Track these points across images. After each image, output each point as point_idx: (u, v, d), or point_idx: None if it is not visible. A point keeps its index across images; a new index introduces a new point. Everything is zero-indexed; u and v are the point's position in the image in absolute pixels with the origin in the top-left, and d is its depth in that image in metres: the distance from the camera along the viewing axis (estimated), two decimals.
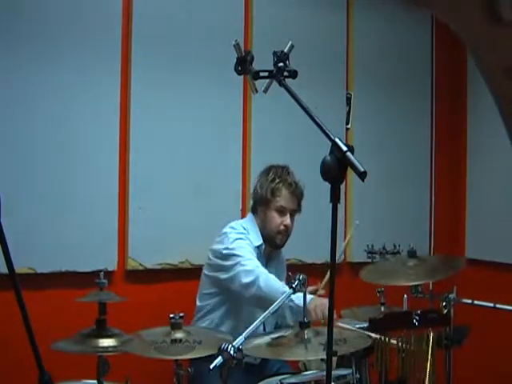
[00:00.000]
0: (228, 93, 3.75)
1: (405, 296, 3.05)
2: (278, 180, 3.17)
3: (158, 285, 3.53)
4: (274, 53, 2.06)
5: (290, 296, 2.57)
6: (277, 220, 3.16)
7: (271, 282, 2.89)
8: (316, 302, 2.72)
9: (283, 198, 3.15)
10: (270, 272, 3.03)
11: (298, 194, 3.18)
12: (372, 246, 3.34)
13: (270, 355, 2.67)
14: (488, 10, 0.70)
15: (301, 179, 3.88)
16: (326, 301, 2.69)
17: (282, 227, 3.16)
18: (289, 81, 2.00)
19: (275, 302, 2.39)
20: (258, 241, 3.18)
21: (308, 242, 3.91)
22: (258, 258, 3.09)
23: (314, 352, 2.49)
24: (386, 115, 4.27)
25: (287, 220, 3.16)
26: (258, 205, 3.21)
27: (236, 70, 2.15)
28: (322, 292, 2.94)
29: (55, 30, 3.36)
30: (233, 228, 3.14)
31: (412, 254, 3.06)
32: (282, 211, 3.16)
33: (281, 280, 3.12)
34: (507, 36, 0.72)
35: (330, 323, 1.65)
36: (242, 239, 3.09)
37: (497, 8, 0.70)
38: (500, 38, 0.72)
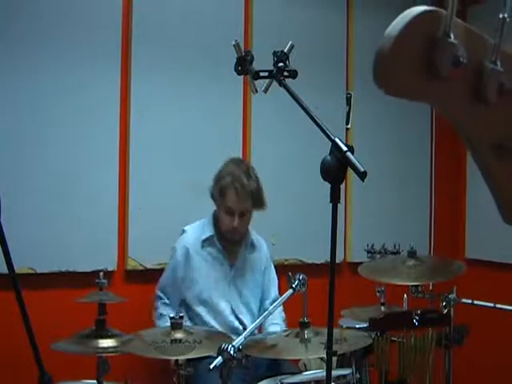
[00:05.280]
0: (228, 93, 3.75)
1: (405, 296, 3.05)
2: (226, 179, 3.12)
3: None
4: (274, 53, 2.06)
5: (290, 296, 2.58)
6: (226, 221, 3.17)
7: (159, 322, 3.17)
8: None
9: (229, 199, 3.12)
10: (235, 272, 3.24)
11: (244, 195, 3.11)
12: (372, 245, 3.34)
13: (270, 355, 2.68)
14: (475, 95, 0.74)
15: (301, 179, 3.91)
16: None
17: (229, 228, 3.17)
18: (289, 81, 2.00)
19: None
20: (208, 233, 3.23)
21: (308, 242, 3.91)
22: (211, 247, 3.21)
23: (314, 351, 2.50)
24: (386, 115, 4.27)
25: (235, 222, 3.13)
26: (213, 199, 3.22)
27: (236, 70, 2.15)
28: None
29: (55, 30, 3.36)
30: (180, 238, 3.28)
31: (412, 254, 3.07)
32: (230, 212, 3.15)
33: (253, 284, 3.29)
34: (492, 116, 0.75)
35: (329, 323, 1.65)
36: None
37: (484, 92, 0.74)
38: (485, 118, 0.75)
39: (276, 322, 3.24)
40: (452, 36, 0.71)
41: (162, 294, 3.24)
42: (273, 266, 3.44)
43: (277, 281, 3.40)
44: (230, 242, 3.25)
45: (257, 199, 3.16)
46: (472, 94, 0.74)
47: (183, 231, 3.28)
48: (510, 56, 0.76)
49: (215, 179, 3.17)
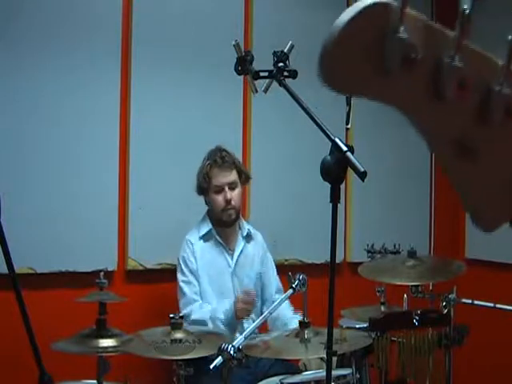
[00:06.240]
0: (228, 93, 3.75)
1: (405, 296, 3.06)
2: (206, 163, 3.24)
3: (158, 285, 3.53)
4: (274, 53, 2.07)
5: (290, 296, 2.58)
6: (218, 200, 3.23)
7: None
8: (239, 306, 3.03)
9: (214, 178, 3.22)
10: (236, 262, 3.29)
11: (227, 167, 3.22)
12: (372, 245, 3.34)
13: (270, 355, 2.68)
14: (433, 91, 0.71)
15: (301, 179, 3.90)
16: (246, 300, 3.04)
17: (224, 204, 3.22)
18: (289, 81, 2.00)
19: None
20: (206, 228, 3.29)
21: (308, 242, 3.91)
22: (210, 240, 3.28)
23: (314, 351, 2.50)
24: (386, 115, 4.26)
25: (227, 195, 3.21)
26: (202, 195, 3.29)
27: (236, 70, 2.16)
28: None
29: (55, 30, 3.35)
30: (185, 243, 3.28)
31: (412, 254, 3.07)
32: (219, 190, 3.22)
33: (253, 269, 3.34)
34: (450, 112, 0.72)
35: (329, 323, 1.65)
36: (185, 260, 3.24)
37: (441, 87, 0.71)
38: (443, 115, 0.73)
39: (292, 316, 3.22)
40: (403, 30, 0.68)
41: (195, 296, 3.19)
42: (270, 256, 3.49)
43: (275, 270, 3.46)
44: (226, 227, 3.30)
45: (241, 171, 3.28)
46: (429, 90, 0.71)
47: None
48: (473, 51, 0.73)
49: (197, 175, 3.27)
